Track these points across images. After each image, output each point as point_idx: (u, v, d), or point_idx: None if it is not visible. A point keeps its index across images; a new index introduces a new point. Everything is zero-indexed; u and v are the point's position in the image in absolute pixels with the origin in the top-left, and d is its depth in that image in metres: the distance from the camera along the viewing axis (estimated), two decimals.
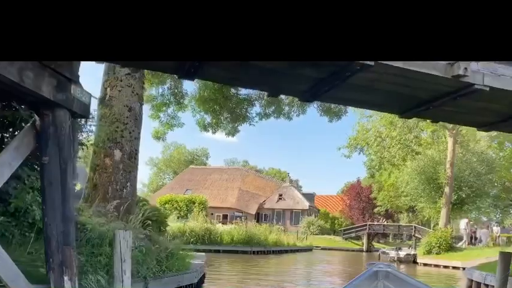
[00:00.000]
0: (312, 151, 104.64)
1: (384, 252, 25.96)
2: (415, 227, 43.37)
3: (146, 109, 15.23)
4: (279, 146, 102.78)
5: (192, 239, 24.38)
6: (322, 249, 40.55)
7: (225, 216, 46.55)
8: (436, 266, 21.86)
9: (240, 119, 14.48)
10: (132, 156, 8.54)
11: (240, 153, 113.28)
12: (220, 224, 31.92)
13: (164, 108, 14.89)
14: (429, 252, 23.50)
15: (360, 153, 25.52)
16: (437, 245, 23.08)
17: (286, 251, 30.16)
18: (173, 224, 24.88)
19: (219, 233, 25.29)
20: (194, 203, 44.92)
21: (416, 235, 42.99)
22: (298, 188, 55.54)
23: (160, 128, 15.24)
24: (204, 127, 15.35)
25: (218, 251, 24.43)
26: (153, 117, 15.38)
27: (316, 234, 45.89)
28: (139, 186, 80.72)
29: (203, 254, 15.08)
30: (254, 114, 14.68)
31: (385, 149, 23.21)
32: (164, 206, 46.20)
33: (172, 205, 46.24)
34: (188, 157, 70.99)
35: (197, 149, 73.50)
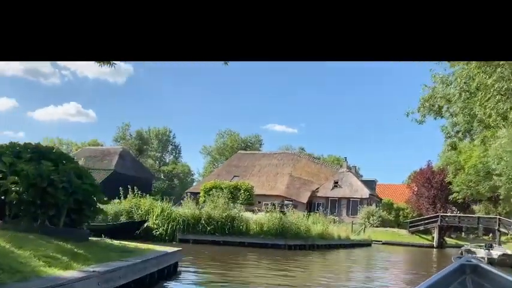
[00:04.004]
0: (376, 136, 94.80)
1: (468, 251, 18.12)
2: (499, 219, 34.24)
3: None
4: (340, 135, 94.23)
5: (209, 228, 18.28)
6: (383, 244, 32.78)
7: (273, 205, 40.20)
8: None
9: None
10: None
11: (299, 144, 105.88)
12: (262, 213, 25.58)
13: None
14: None
15: (435, 117, 17.50)
16: None
17: (335, 246, 23.03)
18: (187, 210, 18.96)
19: (244, 222, 18.88)
20: (239, 190, 39.20)
21: (501, 229, 33.91)
22: (357, 174, 47.52)
23: None
24: None
25: (242, 244, 18.10)
26: None
27: (377, 226, 38.01)
28: (195, 176, 77.05)
29: (167, 250, 8.74)
30: None
31: (476, 104, 15.18)
32: (208, 193, 40.98)
33: (218, 192, 40.86)
34: (241, 145, 65.47)
35: (250, 137, 67.76)
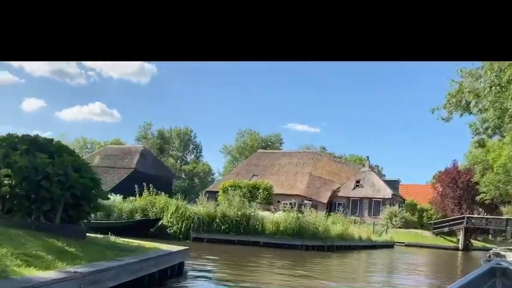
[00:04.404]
0: (400, 135, 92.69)
1: (497, 254, 17.05)
2: None
3: None
4: (363, 135, 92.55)
5: (223, 227, 17.78)
6: (406, 245, 31.64)
7: (290, 205, 39.48)
8: None
9: None
10: None
11: (321, 143, 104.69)
12: (280, 212, 24.96)
13: None
14: None
15: (462, 114, 16.38)
16: None
17: (355, 247, 22.17)
18: (202, 209, 18.48)
19: (260, 221, 18.29)
20: (258, 189, 38.65)
21: None
22: (380, 174, 46.23)
23: None
24: None
25: (257, 244, 17.51)
26: None
27: (400, 227, 36.81)
28: (216, 175, 76.93)
29: (172, 249, 8.23)
30: None
31: (508, 98, 14.11)
32: (227, 193, 40.60)
33: (235, 191, 40.43)
34: (261, 144, 64.88)
35: (270, 136, 67.09)
